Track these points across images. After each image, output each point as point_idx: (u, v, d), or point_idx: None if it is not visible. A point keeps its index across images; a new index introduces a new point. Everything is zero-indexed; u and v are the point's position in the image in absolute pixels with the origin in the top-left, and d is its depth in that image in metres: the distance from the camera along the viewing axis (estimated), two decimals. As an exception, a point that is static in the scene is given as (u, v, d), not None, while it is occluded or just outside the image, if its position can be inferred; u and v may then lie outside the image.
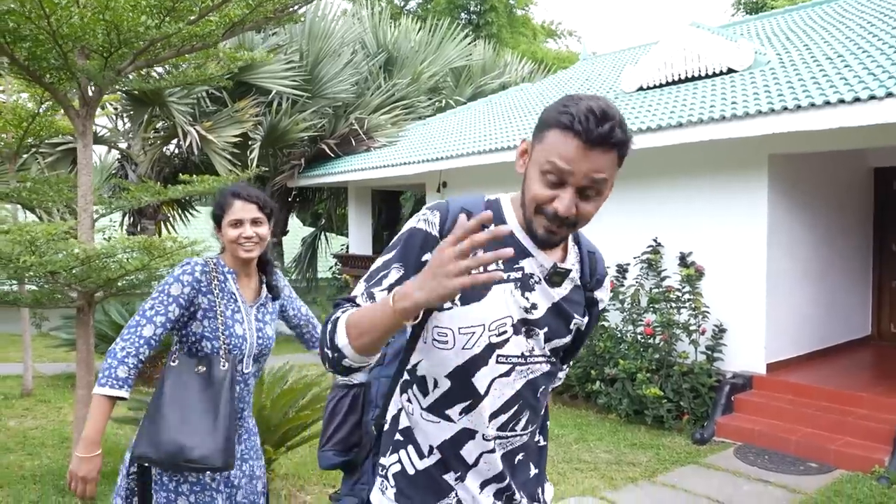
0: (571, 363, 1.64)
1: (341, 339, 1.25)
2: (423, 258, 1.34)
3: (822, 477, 4.98)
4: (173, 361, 2.22)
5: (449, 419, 1.40)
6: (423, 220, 1.38)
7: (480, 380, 1.38)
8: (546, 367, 1.45)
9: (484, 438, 1.40)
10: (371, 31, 13.55)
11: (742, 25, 10.07)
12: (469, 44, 14.84)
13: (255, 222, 2.26)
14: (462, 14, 23.54)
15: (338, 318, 1.29)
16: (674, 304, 6.60)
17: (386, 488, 1.46)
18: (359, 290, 1.37)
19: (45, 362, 9.05)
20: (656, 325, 6.57)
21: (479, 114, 11.31)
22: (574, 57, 22.14)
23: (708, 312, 6.47)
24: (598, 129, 1.25)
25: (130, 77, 4.01)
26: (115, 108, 10.55)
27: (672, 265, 6.82)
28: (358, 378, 1.58)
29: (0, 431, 5.67)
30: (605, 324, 7.09)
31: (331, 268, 14.21)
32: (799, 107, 5.30)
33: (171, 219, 12.42)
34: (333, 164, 11.56)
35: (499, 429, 1.41)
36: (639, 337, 6.77)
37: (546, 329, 1.42)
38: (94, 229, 4.29)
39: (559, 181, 1.29)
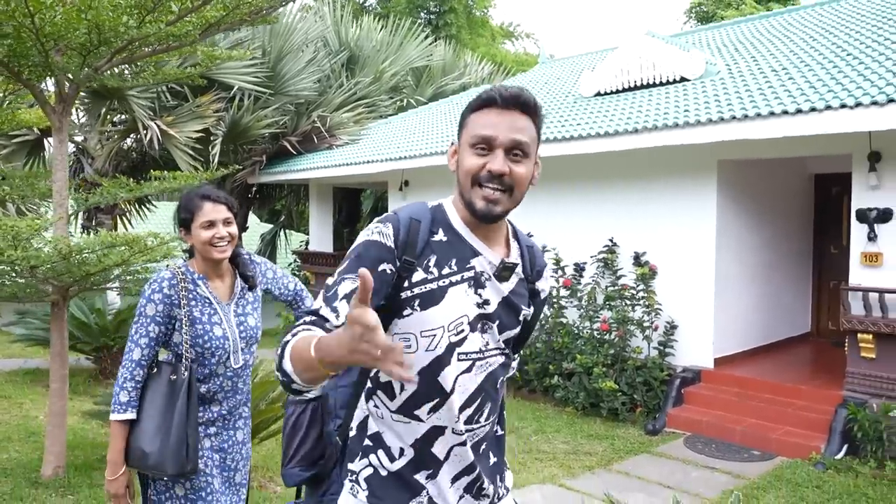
0: (523, 356, 1.75)
1: (288, 367, 1.24)
2: (381, 268, 1.39)
3: (765, 464, 5.33)
4: (154, 370, 2.31)
5: (418, 419, 1.46)
6: (378, 232, 1.43)
7: (446, 378, 1.45)
8: (501, 359, 1.54)
9: (454, 432, 1.47)
10: (333, 29, 13.60)
11: (694, 35, 10.50)
12: (430, 44, 15.02)
13: (226, 222, 2.33)
14: (422, 14, 23.68)
15: (287, 342, 1.28)
16: (628, 302, 6.90)
17: (357, 492, 1.49)
18: (318, 302, 1.39)
19: (1, 358, 8.89)
20: (612, 322, 6.87)
21: (441, 114, 11.50)
22: (532, 60, 22.52)
23: (660, 310, 6.80)
24: (509, 92, 1.42)
25: (106, 74, 4.06)
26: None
27: (627, 264, 7.13)
28: (313, 392, 1.49)
29: (-38, 427, 5.62)
30: (563, 320, 7.37)
31: (290, 264, 14.21)
32: (746, 116, 5.64)
33: (127, 213, 12.26)
34: (295, 162, 11.59)
35: (466, 422, 1.48)
36: (595, 333, 7.06)
37: (498, 322, 1.50)
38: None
39: (487, 148, 1.41)
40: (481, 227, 1.48)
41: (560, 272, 7.50)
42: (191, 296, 2.31)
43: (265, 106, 11.35)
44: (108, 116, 10.72)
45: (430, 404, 1.45)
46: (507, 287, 1.51)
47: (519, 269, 1.55)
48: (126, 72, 4.79)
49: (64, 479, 4.33)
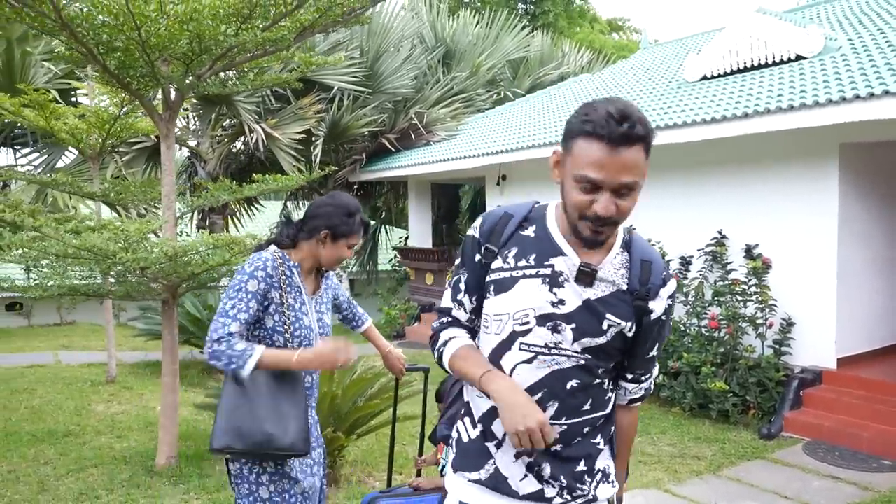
0: (654, 373, 1.66)
1: (446, 365, 1.62)
2: (476, 258, 1.59)
3: (896, 474, 4.87)
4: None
5: (486, 395, 1.53)
6: (473, 227, 1.62)
7: (505, 363, 1.53)
8: (576, 363, 1.50)
9: None
10: (429, 26, 13.67)
11: (811, 9, 9.74)
12: (527, 35, 14.80)
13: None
14: (519, 4, 23.43)
15: (445, 342, 1.63)
16: (740, 298, 6.50)
17: (449, 455, 1.68)
18: (446, 300, 1.66)
19: (125, 351, 9.55)
20: (721, 319, 6.49)
21: (538, 106, 11.30)
22: (634, 46, 21.76)
23: (775, 306, 6.36)
24: (620, 129, 1.34)
25: (208, 82, 4.21)
26: (186, 108, 10.99)
27: (738, 258, 6.71)
28: None
29: (90, 415, 6.06)
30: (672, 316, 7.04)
31: (390, 260, 14.45)
32: (872, 94, 5.15)
33: (237, 213, 12.87)
34: (394, 159, 11.74)
35: None
36: (703, 330, 6.70)
37: (574, 325, 1.48)
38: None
39: (594, 188, 1.38)
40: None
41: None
42: (288, 281, 2.34)
43: (364, 105, 11.56)
44: (219, 121, 11.26)
45: None
46: (591, 293, 1.49)
47: (619, 280, 1.52)
48: (228, 79, 4.98)
49: (176, 469, 4.56)
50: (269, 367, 2.18)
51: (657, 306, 1.54)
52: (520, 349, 1.50)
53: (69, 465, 4.64)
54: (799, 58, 6.99)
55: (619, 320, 1.50)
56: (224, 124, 11.63)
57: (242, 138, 11.11)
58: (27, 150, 10.43)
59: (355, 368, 5.00)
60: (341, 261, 2.40)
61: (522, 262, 1.52)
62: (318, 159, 10.66)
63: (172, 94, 4.21)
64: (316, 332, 2.41)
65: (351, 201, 2.42)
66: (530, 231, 1.55)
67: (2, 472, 4.51)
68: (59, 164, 10.26)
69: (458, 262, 1.64)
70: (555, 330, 1.48)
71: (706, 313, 6.70)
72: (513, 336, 1.51)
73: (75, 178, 7.10)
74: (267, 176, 4.82)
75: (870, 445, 5.30)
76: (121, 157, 10.09)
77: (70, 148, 8.09)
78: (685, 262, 7.19)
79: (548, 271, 1.50)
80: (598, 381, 1.55)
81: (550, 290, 1.49)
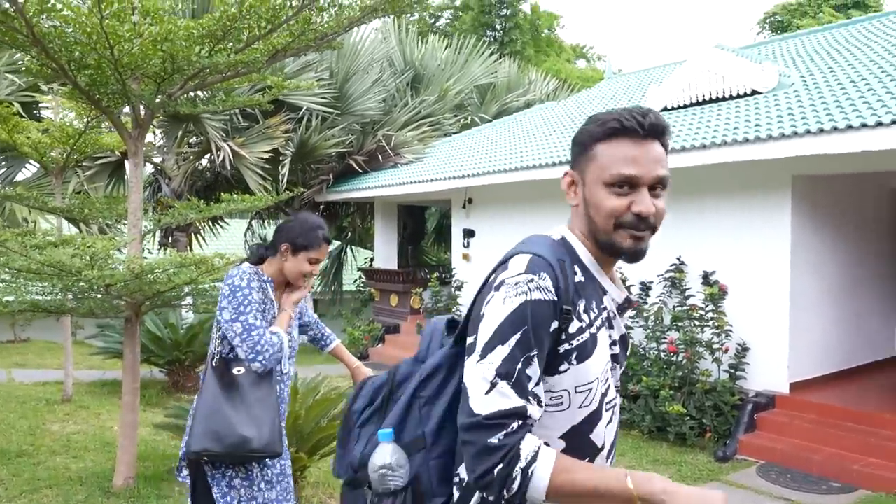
0: None
1: (542, 487, 1.13)
2: (552, 327, 1.22)
3: (846, 496, 5.04)
4: (214, 363, 2.40)
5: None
6: (537, 287, 1.21)
7: (598, 434, 1.30)
8: (620, 401, 1.43)
9: None
10: (398, 49, 13.84)
11: (767, 46, 10.17)
12: (494, 61, 15.07)
13: (319, 262, 2.52)
14: (487, 31, 23.85)
15: (534, 457, 1.14)
16: (697, 323, 6.68)
17: None
18: (507, 398, 1.17)
19: (81, 369, 9.33)
20: (679, 343, 6.66)
21: (505, 131, 11.49)
22: (598, 75, 22.27)
23: (731, 331, 6.55)
24: (647, 119, 1.26)
25: (179, 101, 4.24)
26: (152, 125, 10.89)
27: (696, 284, 6.91)
28: (401, 480, 1.31)
29: (45, 435, 5.91)
30: (631, 340, 7.18)
31: (355, 281, 14.43)
32: (822, 130, 5.40)
33: (201, 231, 12.74)
34: (361, 180, 11.80)
35: None
36: (662, 354, 6.86)
37: (619, 364, 1.39)
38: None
39: (630, 186, 1.26)
40: (606, 263, 1.35)
41: (625, 291, 7.33)
42: (263, 295, 2.45)
43: (332, 126, 11.62)
44: (185, 138, 11.20)
45: None
46: (623, 323, 1.41)
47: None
48: (199, 98, 5.00)
49: (134, 490, 4.48)
50: None
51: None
52: (605, 410, 1.32)
53: (22, 485, 4.53)
54: (755, 92, 7.28)
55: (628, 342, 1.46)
56: (190, 141, 11.56)
57: (209, 156, 11.05)
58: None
59: (318, 389, 5.00)
60: (303, 275, 2.47)
61: (593, 314, 1.29)
62: (285, 178, 10.66)
63: (142, 112, 4.22)
64: (285, 347, 2.47)
65: (313, 218, 2.54)
66: (579, 276, 1.30)
67: (-52, 493, 4.39)
68: (19, 177, 10.08)
69: (514, 340, 1.19)
70: (614, 374, 1.36)
71: (665, 338, 6.86)
72: (601, 399, 1.30)
73: (39, 191, 7.00)
74: (235, 195, 4.84)
75: (820, 468, 5.47)
76: (84, 172, 9.95)
77: (31, 161, 7.98)
78: (645, 288, 7.36)
79: (605, 315, 1.32)
80: None
81: (608, 334, 1.33)
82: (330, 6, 4.22)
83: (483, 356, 1.20)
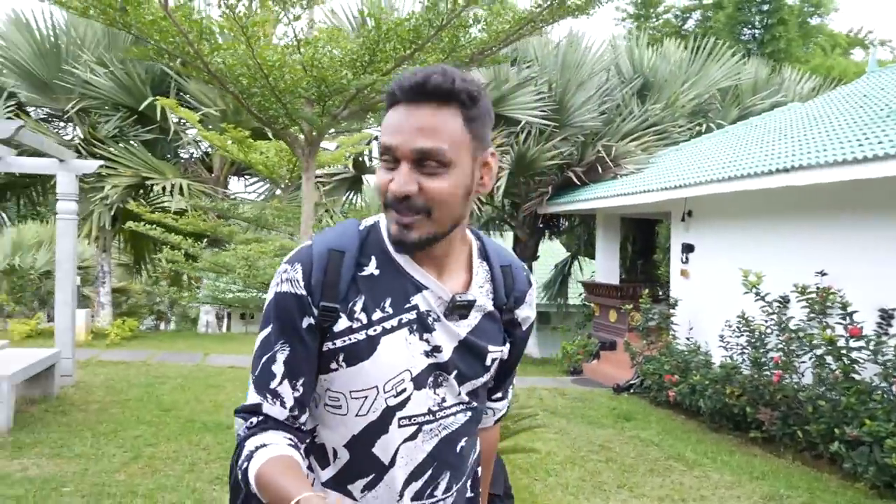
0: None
1: (254, 489, 1.07)
2: (305, 324, 1.14)
3: None
4: None
5: (351, 496, 1.19)
6: (286, 279, 1.16)
7: (384, 449, 1.18)
8: (466, 416, 1.26)
9: None
10: (626, 57, 13.42)
11: None
12: (738, 62, 13.85)
13: None
14: (744, 30, 22.01)
15: (250, 454, 1.09)
16: (942, 362, 5.49)
17: None
18: (252, 395, 1.16)
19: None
20: (917, 384, 5.52)
21: (734, 138, 10.52)
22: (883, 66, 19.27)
23: None
24: (412, 81, 1.09)
25: (344, 123, 4.68)
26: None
27: (944, 314, 5.68)
28: None
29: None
30: (856, 377, 6.13)
31: (580, 294, 14.25)
32: None
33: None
34: (579, 192, 11.65)
35: (414, 499, 1.21)
36: (894, 396, 5.75)
37: (456, 372, 1.21)
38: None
39: (393, 159, 1.11)
40: (428, 252, 1.18)
41: (847, 319, 6.26)
42: None
43: (551, 138, 11.66)
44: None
45: (365, 480, 1.19)
46: (464, 327, 1.21)
47: (486, 302, 1.25)
48: (370, 118, 5.44)
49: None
50: None
51: (529, 313, 1.36)
52: (399, 426, 1.18)
53: (220, 452, 5.31)
54: None
55: (499, 348, 1.27)
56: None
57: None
58: (253, 179, 12.12)
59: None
60: None
61: (377, 315, 1.16)
62: (500, 191, 10.96)
63: (312, 132, 4.73)
64: None
65: None
66: (372, 268, 1.18)
67: (168, 451, 5.29)
68: (278, 192, 11.78)
69: (267, 332, 1.16)
70: (437, 386, 1.20)
71: (898, 377, 5.74)
72: (388, 413, 1.17)
73: (289, 204, 8.15)
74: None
75: None
76: (323, 187, 11.29)
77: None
78: (887, 316, 6.21)
79: (412, 315, 1.17)
80: (478, 422, 1.35)
81: (421, 337, 1.18)
82: (476, 21, 4.33)
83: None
